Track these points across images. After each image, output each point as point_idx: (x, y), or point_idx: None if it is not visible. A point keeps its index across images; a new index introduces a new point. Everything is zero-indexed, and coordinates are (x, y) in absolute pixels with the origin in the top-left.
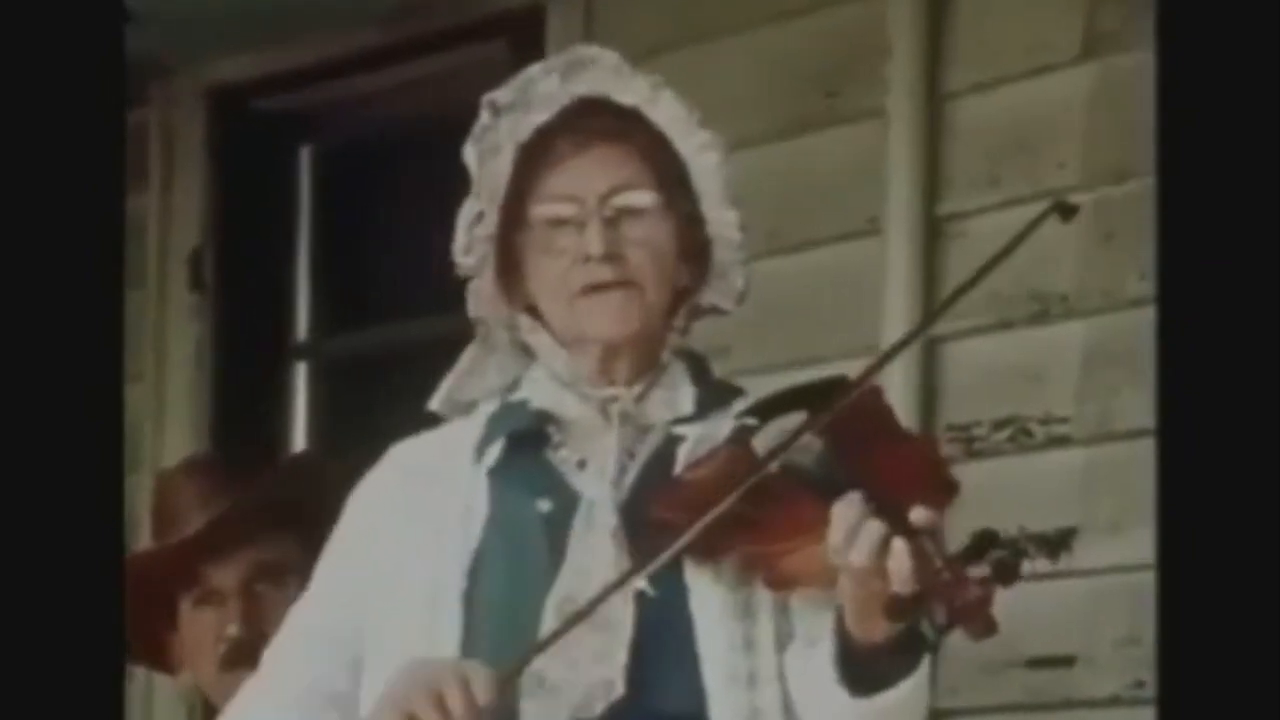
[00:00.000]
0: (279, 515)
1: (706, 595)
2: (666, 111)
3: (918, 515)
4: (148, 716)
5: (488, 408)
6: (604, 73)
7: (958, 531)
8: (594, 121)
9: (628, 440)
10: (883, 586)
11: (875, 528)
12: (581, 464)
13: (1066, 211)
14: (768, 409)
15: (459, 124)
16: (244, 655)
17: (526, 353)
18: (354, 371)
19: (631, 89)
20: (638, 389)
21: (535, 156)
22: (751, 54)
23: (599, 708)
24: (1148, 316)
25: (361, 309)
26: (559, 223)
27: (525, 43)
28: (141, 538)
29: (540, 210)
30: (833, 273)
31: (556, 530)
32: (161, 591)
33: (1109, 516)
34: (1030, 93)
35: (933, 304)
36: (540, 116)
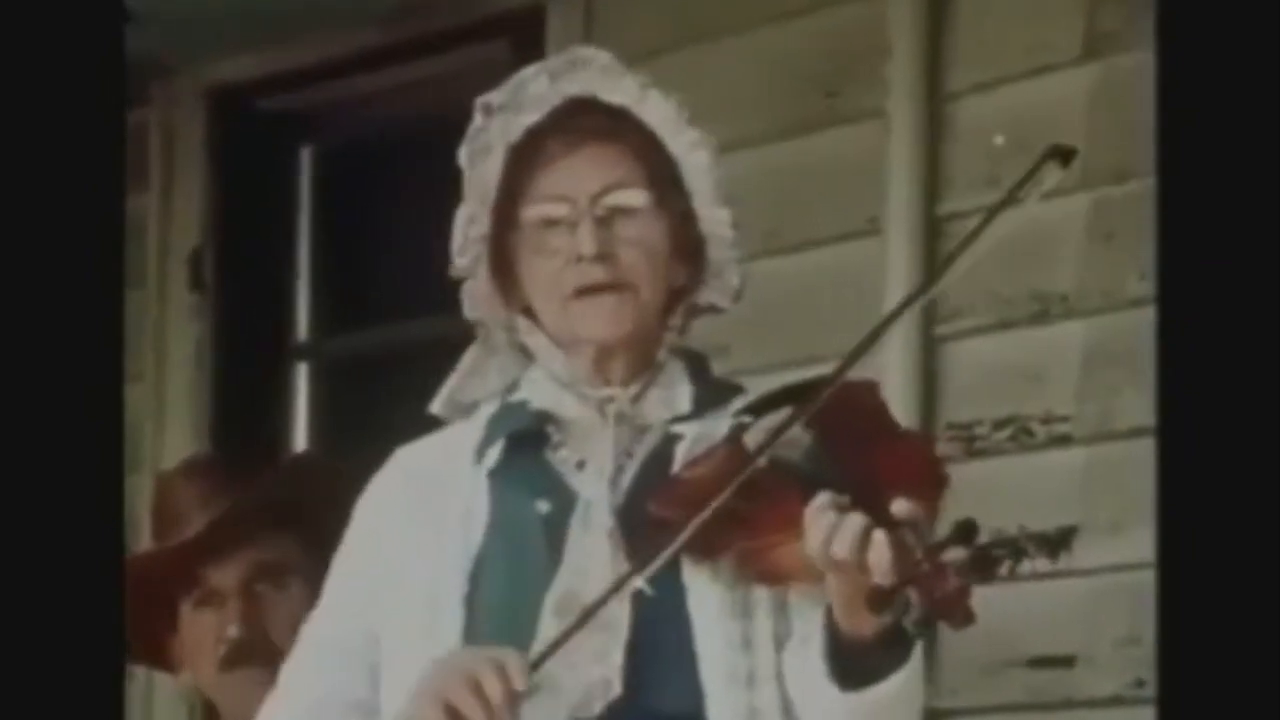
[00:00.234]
0: (279, 516)
1: (704, 594)
2: (656, 111)
3: (899, 507)
4: (148, 716)
5: (488, 409)
6: (594, 73)
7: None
8: (585, 121)
9: (625, 440)
10: (865, 579)
11: (856, 520)
12: (580, 464)
13: (1065, 156)
14: (764, 407)
15: (459, 124)
16: (244, 656)
17: (525, 354)
18: (354, 372)
19: (620, 89)
20: (634, 389)
21: (526, 157)
22: (752, 54)
23: (597, 707)
24: (1148, 316)
25: (362, 309)
26: (551, 223)
27: (526, 43)
28: (142, 538)
29: (532, 211)
30: (833, 273)
31: (555, 531)
32: (162, 592)
33: (1109, 516)
34: (1031, 93)
35: (934, 305)
36: (531, 117)
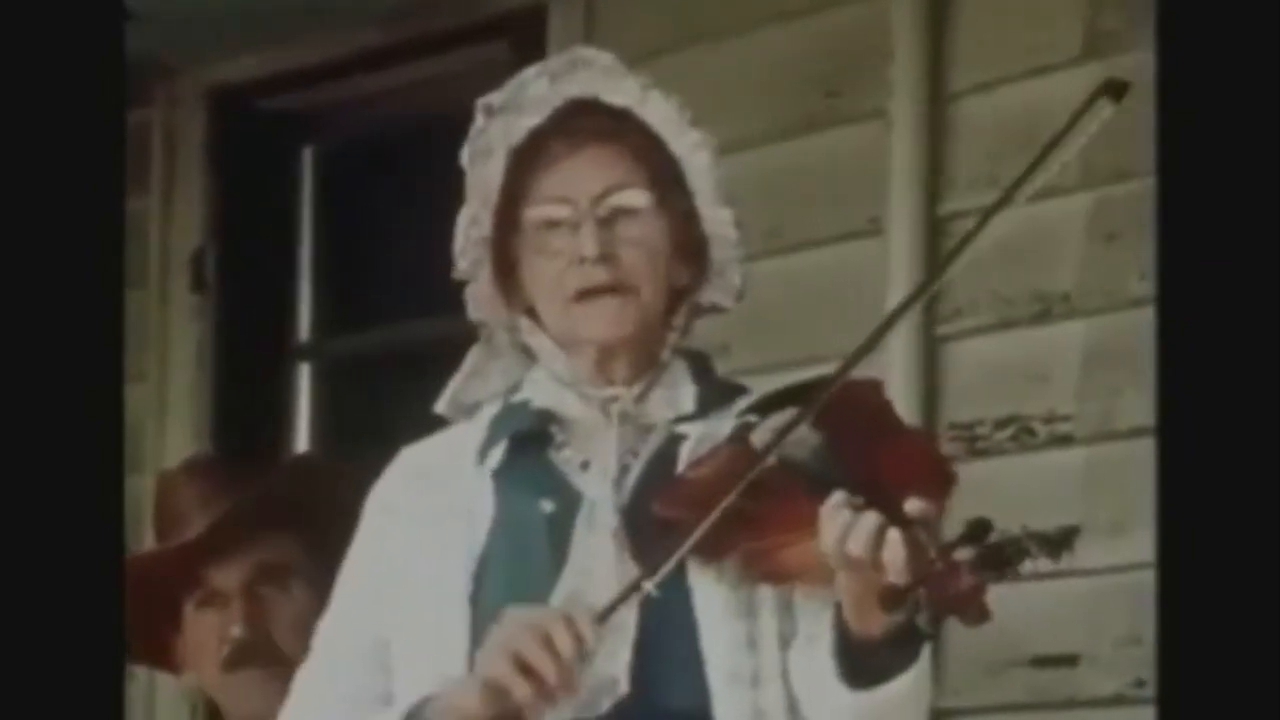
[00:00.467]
0: (281, 516)
1: (709, 594)
2: (657, 111)
3: (912, 506)
4: (150, 716)
5: (491, 410)
6: (595, 74)
7: (960, 529)
8: (586, 122)
9: (630, 440)
10: (878, 578)
11: (871, 519)
12: (584, 465)
13: (1117, 90)
14: (768, 406)
15: (461, 125)
16: (246, 656)
17: (528, 354)
18: (356, 372)
19: (621, 90)
20: (637, 388)
21: (528, 159)
22: (753, 55)
23: (604, 706)
24: (1149, 316)
25: (363, 309)
26: (553, 225)
27: (527, 43)
28: (144, 538)
29: (534, 213)
30: (834, 273)
31: (559, 531)
32: (164, 593)
33: (1111, 515)
34: (1032, 93)
35: (935, 304)
36: (532, 119)
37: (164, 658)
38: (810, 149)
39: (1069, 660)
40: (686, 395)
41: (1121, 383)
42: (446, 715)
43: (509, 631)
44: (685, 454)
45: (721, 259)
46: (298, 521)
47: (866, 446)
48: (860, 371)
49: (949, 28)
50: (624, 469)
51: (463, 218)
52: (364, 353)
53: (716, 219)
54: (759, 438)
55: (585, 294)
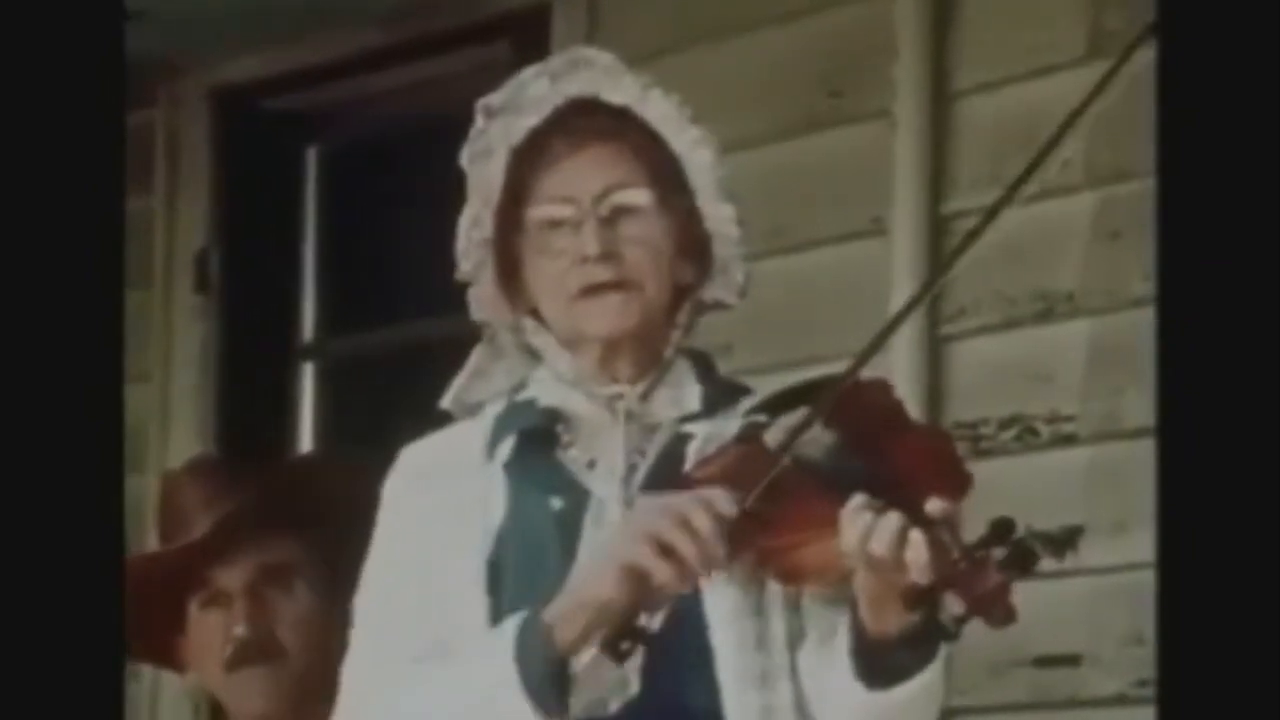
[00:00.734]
0: (284, 517)
1: (719, 594)
2: (657, 109)
3: (933, 506)
4: (154, 715)
5: (494, 409)
6: (595, 73)
7: (966, 529)
8: (587, 121)
9: (636, 438)
10: (900, 577)
11: (893, 519)
12: (591, 464)
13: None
14: (777, 405)
15: (464, 125)
16: (250, 656)
17: (532, 355)
18: (360, 372)
19: (621, 88)
20: (642, 386)
21: (529, 159)
22: (756, 54)
23: (615, 705)
24: (1152, 316)
25: (367, 310)
26: (555, 224)
27: (529, 44)
28: (147, 538)
29: (536, 212)
30: (837, 272)
31: (568, 528)
32: (169, 593)
33: (1114, 515)
34: (1035, 93)
35: (939, 303)
36: (532, 119)
37: (169, 657)
38: (813, 149)
39: (1071, 660)
40: (691, 394)
41: (1125, 382)
42: (579, 609)
43: (644, 517)
44: (692, 453)
45: (724, 256)
46: (301, 522)
47: (881, 446)
48: (864, 372)
49: (952, 27)
50: (631, 468)
51: (464, 219)
52: (367, 353)
53: (718, 216)
54: (773, 437)
55: (589, 291)
